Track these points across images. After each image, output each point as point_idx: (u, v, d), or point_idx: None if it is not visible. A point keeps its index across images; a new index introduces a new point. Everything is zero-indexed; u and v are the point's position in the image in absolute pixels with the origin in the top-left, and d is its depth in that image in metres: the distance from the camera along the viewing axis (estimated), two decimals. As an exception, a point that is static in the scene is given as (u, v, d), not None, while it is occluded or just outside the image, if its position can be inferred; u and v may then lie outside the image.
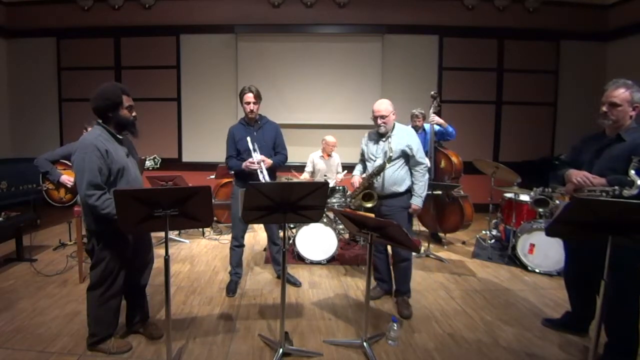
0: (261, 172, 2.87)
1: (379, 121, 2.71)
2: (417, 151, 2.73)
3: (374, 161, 2.79)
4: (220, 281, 3.31)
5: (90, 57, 6.19)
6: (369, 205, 2.77)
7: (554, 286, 3.28)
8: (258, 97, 2.98)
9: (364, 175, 2.93)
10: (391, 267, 2.97)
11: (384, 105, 2.70)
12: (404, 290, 2.86)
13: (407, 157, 2.74)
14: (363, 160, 2.99)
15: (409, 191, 2.78)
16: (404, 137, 2.72)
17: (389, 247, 3.00)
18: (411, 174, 2.78)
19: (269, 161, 2.94)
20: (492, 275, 3.57)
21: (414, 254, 2.95)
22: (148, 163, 2.77)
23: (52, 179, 3.44)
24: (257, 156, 2.88)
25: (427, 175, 2.80)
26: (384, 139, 2.75)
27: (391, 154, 2.62)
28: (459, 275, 3.56)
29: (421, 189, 2.75)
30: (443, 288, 3.25)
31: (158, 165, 3.17)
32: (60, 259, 3.74)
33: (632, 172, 1.88)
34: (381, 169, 2.68)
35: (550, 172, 4.82)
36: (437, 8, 6.03)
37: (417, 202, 2.74)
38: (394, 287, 2.94)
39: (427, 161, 2.80)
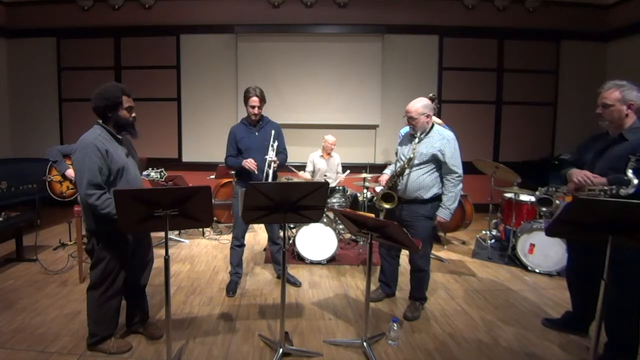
0: (266, 172, 2.89)
1: (408, 122, 2.58)
2: (451, 158, 2.52)
3: (403, 162, 2.61)
4: (220, 281, 3.31)
5: (90, 57, 6.18)
6: (388, 206, 2.59)
7: (554, 286, 3.28)
8: (263, 101, 3.00)
9: None
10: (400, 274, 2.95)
11: (414, 107, 2.53)
12: (418, 296, 2.79)
13: (438, 163, 2.56)
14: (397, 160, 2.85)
15: (436, 199, 2.59)
16: (437, 141, 2.54)
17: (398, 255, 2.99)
18: (442, 182, 2.60)
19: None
20: (492, 275, 3.57)
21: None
22: (153, 175, 2.80)
23: (59, 170, 3.58)
24: (271, 155, 2.93)
25: (460, 186, 2.56)
26: (416, 140, 2.57)
27: (411, 156, 2.52)
28: (459, 275, 3.56)
29: (450, 200, 2.54)
30: (443, 288, 3.26)
31: (163, 179, 3.21)
32: (61, 259, 3.74)
33: (629, 171, 1.89)
34: (402, 171, 2.57)
35: (550, 172, 4.84)
36: (437, 8, 6.03)
37: (443, 214, 2.55)
38: (409, 291, 2.87)
39: (461, 170, 2.57)
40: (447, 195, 2.56)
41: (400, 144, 2.80)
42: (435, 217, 2.59)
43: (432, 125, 2.62)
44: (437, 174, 2.59)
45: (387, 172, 2.83)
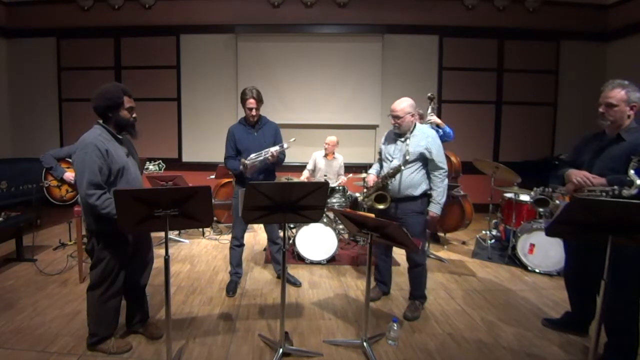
0: (261, 155, 2.87)
1: (393, 121, 2.62)
2: (437, 155, 2.59)
3: (391, 162, 2.67)
4: (220, 281, 3.31)
5: (90, 57, 6.19)
6: (381, 207, 2.64)
7: (554, 286, 3.28)
8: (260, 102, 2.99)
9: (380, 175, 2.81)
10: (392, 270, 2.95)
11: (400, 106, 2.58)
12: (417, 295, 2.80)
13: (424, 160, 2.63)
14: (380, 160, 2.88)
15: (425, 195, 2.66)
16: (422, 139, 2.60)
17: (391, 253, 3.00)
18: (429, 178, 2.66)
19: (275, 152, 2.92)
20: (492, 275, 3.57)
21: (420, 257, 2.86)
22: (152, 167, 2.79)
23: (56, 175, 3.51)
24: (276, 148, 2.91)
25: (446, 181, 2.65)
26: (402, 140, 2.61)
27: (408, 157, 2.53)
28: (459, 275, 3.56)
29: (440, 195, 2.62)
30: (443, 288, 3.26)
31: (162, 171, 3.20)
32: (60, 259, 3.74)
33: (632, 171, 1.88)
34: (397, 171, 2.57)
35: (550, 172, 4.84)
36: (437, 8, 6.03)
37: (435, 209, 2.62)
38: (409, 290, 2.87)
39: (446, 166, 2.66)
40: (436, 191, 2.63)
41: (384, 143, 2.83)
42: (427, 212, 2.65)
43: (415, 124, 2.67)
44: (424, 171, 2.67)
45: (372, 172, 2.89)
